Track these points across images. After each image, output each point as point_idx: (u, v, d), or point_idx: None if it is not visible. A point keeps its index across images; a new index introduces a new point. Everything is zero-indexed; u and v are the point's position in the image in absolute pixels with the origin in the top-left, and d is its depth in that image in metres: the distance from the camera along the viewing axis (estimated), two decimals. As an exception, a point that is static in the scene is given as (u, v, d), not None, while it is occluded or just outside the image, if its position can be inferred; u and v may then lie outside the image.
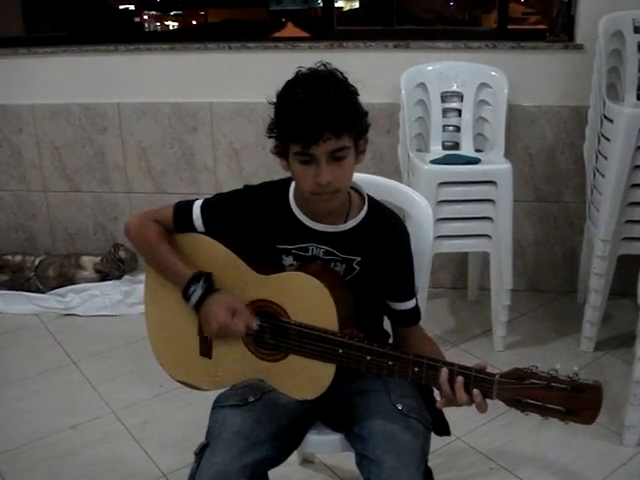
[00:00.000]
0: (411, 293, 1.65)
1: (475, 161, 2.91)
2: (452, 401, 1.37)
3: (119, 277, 3.67)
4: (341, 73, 1.46)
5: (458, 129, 3.14)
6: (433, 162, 2.89)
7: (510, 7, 3.52)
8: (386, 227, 1.60)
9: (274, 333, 1.53)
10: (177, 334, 1.67)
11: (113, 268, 3.66)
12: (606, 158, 2.72)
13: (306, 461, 2.31)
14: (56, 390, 2.78)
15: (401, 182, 2.05)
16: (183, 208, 1.63)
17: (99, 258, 3.67)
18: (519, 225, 3.31)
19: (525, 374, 1.30)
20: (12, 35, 3.94)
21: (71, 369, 2.94)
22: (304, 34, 4.08)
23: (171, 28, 5.89)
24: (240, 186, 1.66)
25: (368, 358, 1.43)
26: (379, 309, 1.67)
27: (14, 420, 2.58)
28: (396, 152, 3.22)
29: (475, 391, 1.34)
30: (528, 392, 1.29)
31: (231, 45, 3.46)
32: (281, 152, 1.49)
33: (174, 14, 5.99)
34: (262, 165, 3.47)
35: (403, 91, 3.04)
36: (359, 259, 1.56)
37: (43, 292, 3.58)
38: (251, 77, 3.41)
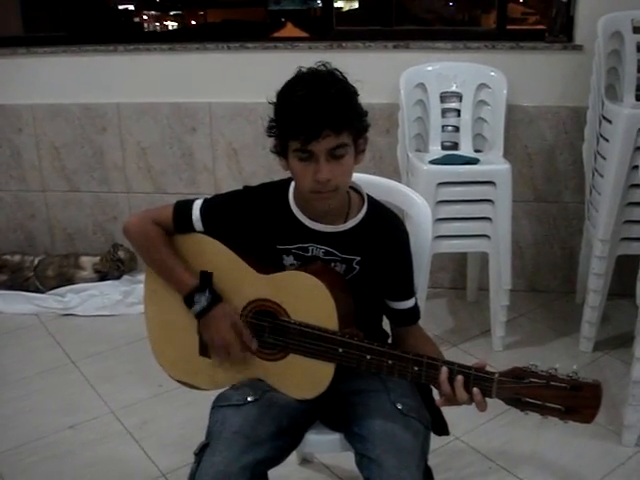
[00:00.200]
0: (410, 292, 1.65)
1: (474, 161, 2.91)
2: (452, 400, 1.38)
3: (118, 277, 3.67)
4: (341, 73, 1.47)
5: (457, 129, 3.14)
6: (432, 162, 2.89)
7: (509, 7, 3.52)
8: (385, 227, 1.60)
9: (274, 332, 1.53)
10: (176, 334, 1.67)
11: (112, 268, 3.66)
12: (605, 158, 2.73)
13: (305, 461, 2.31)
14: (55, 390, 2.77)
15: (400, 182, 2.05)
16: (182, 208, 1.63)
17: (98, 258, 3.67)
18: (518, 225, 3.31)
19: (524, 373, 1.30)
20: (11, 35, 3.94)
21: (70, 369, 2.93)
22: (303, 34, 4.09)
23: (170, 28, 5.89)
24: (239, 186, 1.67)
25: (368, 357, 1.43)
26: (378, 309, 1.67)
27: (13, 420, 2.58)
28: (395, 152, 3.22)
29: (475, 390, 1.34)
30: (527, 391, 1.30)
31: (230, 45, 3.46)
32: (281, 151, 1.50)
33: (173, 14, 6.00)
34: (261, 165, 3.47)
35: (402, 91, 3.04)
36: (359, 259, 1.56)
37: (42, 292, 3.58)
38: (250, 77, 3.41)
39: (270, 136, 1.51)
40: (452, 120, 3.15)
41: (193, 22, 6.00)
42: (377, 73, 3.20)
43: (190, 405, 2.51)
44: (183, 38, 3.75)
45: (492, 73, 3.09)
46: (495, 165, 2.87)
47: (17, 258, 3.68)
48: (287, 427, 1.55)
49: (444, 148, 3.13)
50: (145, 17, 5.80)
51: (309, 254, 1.57)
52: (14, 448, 2.41)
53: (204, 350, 1.64)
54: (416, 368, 1.40)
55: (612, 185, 2.67)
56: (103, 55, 3.57)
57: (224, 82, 3.51)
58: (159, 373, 1.72)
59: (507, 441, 2.39)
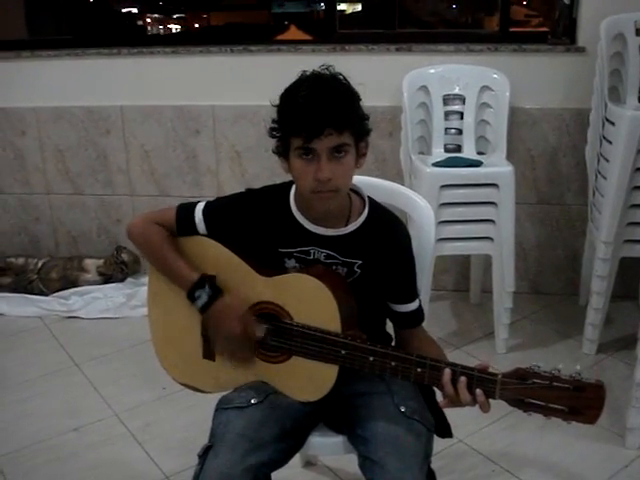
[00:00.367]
0: (413, 295, 1.65)
1: (477, 164, 2.91)
2: (455, 401, 1.38)
3: (122, 280, 3.68)
4: (344, 77, 1.48)
5: (460, 132, 3.15)
6: (435, 165, 2.89)
7: (512, 10, 3.53)
8: (387, 230, 1.60)
9: (277, 335, 1.53)
10: (180, 336, 1.68)
11: (116, 271, 3.66)
12: (608, 160, 2.73)
13: (309, 464, 2.31)
14: (59, 392, 2.78)
15: (403, 185, 2.05)
16: (185, 211, 1.64)
17: (102, 261, 3.68)
18: (521, 227, 3.31)
19: (527, 374, 1.30)
20: (15, 38, 3.95)
21: (73, 371, 2.94)
22: (306, 37, 4.10)
23: (174, 31, 5.91)
24: (243, 189, 1.67)
25: (371, 359, 1.43)
26: (381, 312, 1.67)
27: (16, 422, 2.59)
28: (398, 155, 3.22)
29: (478, 391, 1.34)
30: (531, 392, 1.30)
31: (233, 48, 3.47)
32: (282, 151, 1.50)
33: (177, 17, 6.01)
34: (265, 168, 3.48)
35: (405, 94, 3.04)
36: (360, 262, 1.56)
37: (46, 294, 3.59)
38: (253, 80, 3.42)
39: (272, 137, 1.52)
40: (455, 123, 3.16)
41: (196, 25, 6.02)
42: (380, 76, 3.21)
43: (193, 408, 2.52)
44: (186, 41, 3.76)
45: (495, 75, 3.09)
46: (498, 167, 2.87)
47: (21, 261, 3.69)
48: (290, 429, 1.55)
49: (447, 151, 3.13)
50: (148, 20, 5.81)
51: (310, 257, 1.57)
52: (17, 450, 2.42)
53: (208, 353, 1.64)
54: (419, 369, 1.40)
55: (615, 187, 2.67)
56: (107, 58, 3.58)
57: (227, 85, 3.52)
58: (163, 376, 1.72)
59: (510, 443, 2.38)
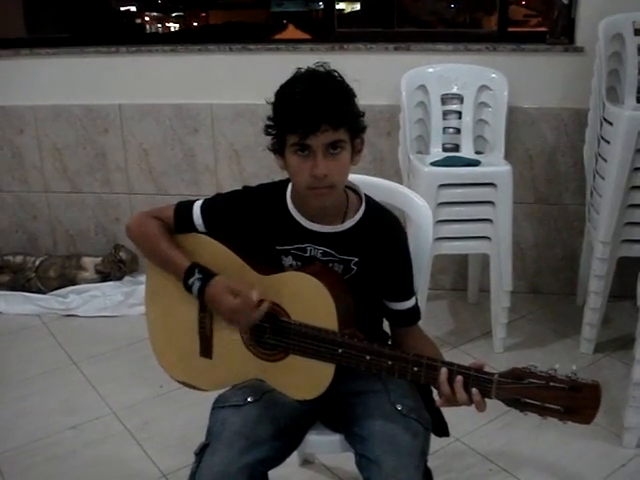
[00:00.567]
0: (409, 293, 1.65)
1: (475, 163, 2.91)
2: (451, 400, 1.38)
3: (120, 278, 3.68)
4: (339, 73, 1.48)
5: (458, 131, 3.15)
6: (433, 164, 2.89)
7: (511, 9, 3.53)
8: (383, 227, 1.60)
9: (274, 333, 1.53)
10: (177, 335, 1.68)
11: (114, 269, 3.66)
12: (606, 160, 2.73)
13: (306, 462, 2.32)
14: (57, 390, 2.78)
15: (401, 184, 2.05)
16: (183, 208, 1.64)
17: (100, 259, 3.68)
18: (519, 227, 3.32)
19: (524, 374, 1.31)
20: (14, 36, 3.95)
21: (71, 370, 2.94)
22: (305, 36, 4.09)
23: (172, 30, 5.90)
24: (240, 187, 1.67)
25: (368, 358, 1.43)
26: (378, 310, 1.67)
27: (15, 420, 2.59)
28: (396, 154, 3.23)
29: (474, 390, 1.35)
30: (527, 392, 1.30)
31: (232, 47, 3.47)
32: (278, 148, 1.51)
33: (175, 16, 6.00)
34: (263, 166, 3.48)
35: (403, 93, 3.04)
36: (357, 259, 1.56)
37: (44, 293, 3.59)
38: (252, 79, 3.42)
39: (268, 134, 1.52)
40: (453, 122, 3.16)
41: (195, 24, 6.01)
42: (378, 75, 3.21)
43: (191, 406, 2.52)
44: (185, 40, 3.76)
45: (493, 75, 3.09)
46: (496, 167, 2.87)
47: (19, 259, 3.69)
48: (287, 428, 1.55)
49: (445, 150, 3.13)
50: (147, 19, 5.81)
51: (307, 254, 1.57)
52: (15, 448, 2.42)
53: (205, 351, 1.64)
54: (416, 368, 1.40)
55: (613, 187, 2.67)
56: (105, 56, 3.58)
57: (226, 83, 3.52)
58: (160, 374, 1.72)
59: (507, 442, 2.39)
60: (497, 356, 2.91)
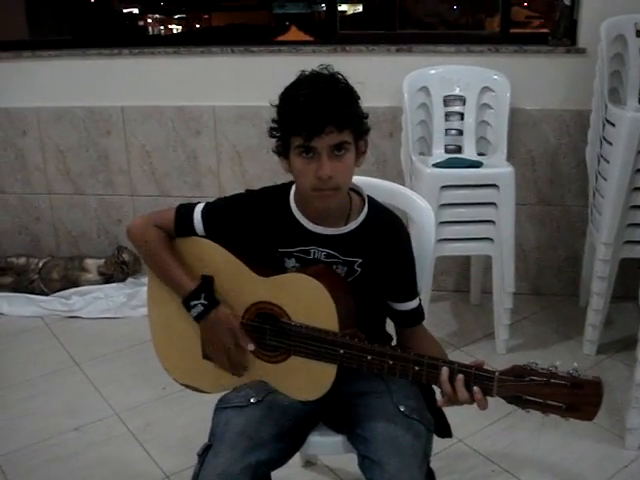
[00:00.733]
0: (413, 293, 1.65)
1: (477, 164, 2.91)
2: (453, 400, 1.38)
3: (123, 280, 3.69)
4: (342, 76, 1.48)
5: (461, 133, 3.15)
6: (435, 165, 2.89)
7: (513, 11, 3.53)
8: (386, 228, 1.60)
9: (275, 334, 1.53)
10: (180, 337, 1.68)
11: (117, 271, 3.67)
12: (608, 162, 2.73)
13: (309, 463, 2.31)
14: (59, 392, 2.78)
15: (404, 185, 2.05)
16: (184, 212, 1.64)
17: (103, 261, 3.68)
18: (521, 228, 3.32)
19: (525, 371, 1.31)
20: (16, 38, 3.96)
21: (74, 371, 2.94)
22: (307, 38, 4.11)
23: (175, 32, 5.91)
24: (243, 189, 1.68)
25: (369, 358, 1.44)
26: (381, 311, 1.67)
27: (17, 422, 2.59)
28: (399, 156, 3.23)
29: (475, 388, 1.35)
30: (528, 389, 1.30)
31: (235, 49, 3.47)
32: (282, 151, 1.51)
33: (178, 18, 6.02)
34: (265, 168, 3.48)
35: (406, 95, 3.05)
36: (360, 261, 1.57)
37: (47, 294, 3.59)
38: (254, 81, 3.42)
39: (272, 136, 1.52)
40: (455, 123, 3.16)
41: (197, 26, 6.02)
42: (380, 76, 3.21)
43: (194, 407, 2.52)
44: (188, 42, 3.77)
45: (495, 76, 3.09)
46: (498, 168, 2.87)
47: (22, 260, 3.69)
48: (290, 428, 1.55)
49: (447, 151, 3.13)
50: (150, 21, 5.82)
51: (311, 257, 1.57)
52: (18, 450, 2.42)
53: (207, 353, 1.64)
54: (417, 368, 1.40)
55: (615, 188, 2.67)
56: (108, 58, 3.59)
57: (228, 85, 3.52)
58: (163, 376, 1.73)
59: (510, 444, 2.38)
60: (499, 357, 2.91)
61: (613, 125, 2.70)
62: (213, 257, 1.59)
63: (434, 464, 1.58)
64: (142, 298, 3.36)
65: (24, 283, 3.63)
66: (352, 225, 1.57)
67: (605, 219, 2.73)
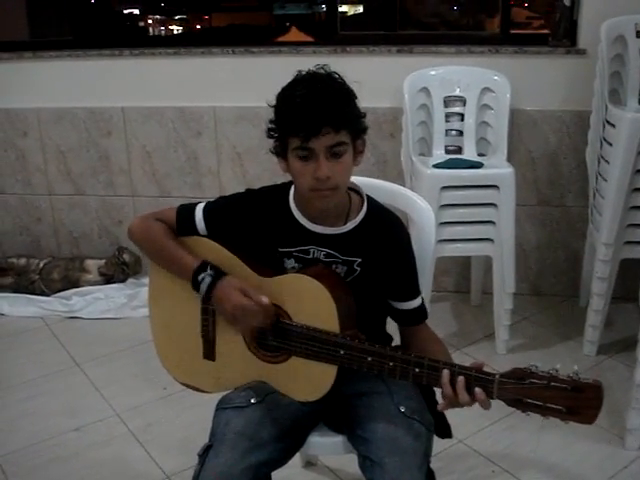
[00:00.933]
0: (415, 292, 1.65)
1: (478, 165, 2.92)
2: (454, 402, 1.38)
3: (123, 280, 3.69)
4: (339, 75, 1.48)
5: (461, 133, 3.15)
6: (436, 166, 2.90)
7: (513, 12, 3.53)
8: (385, 227, 1.60)
9: (276, 335, 1.53)
10: (181, 337, 1.68)
11: (117, 271, 3.67)
12: (608, 162, 2.73)
13: (309, 464, 2.32)
14: (60, 392, 2.79)
15: (404, 186, 2.05)
16: (186, 211, 1.64)
17: (103, 261, 3.69)
18: (522, 229, 3.32)
19: (525, 374, 1.31)
20: (17, 39, 3.96)
21: (75, 371, 2.95)
22: (308, 38, 4.10)
23: (175, 32, 5.90)
24: (243, 190, 1.68)
25: (369, 359, 1.44)
26: (381, 311, 1.68)
27: (18, 422, 2.59)
28: (399, 156, 3.23)
29: (477, 389, 1.34)
30: (528, 392, 1.30)
31: (235, 50, 3.48)
32: (280, 151, 1.51)
33: (178, 18, 6.01)
34: (266, 169, 3.48)
35: (406, 95, 3.05)
36: (360, 260, 1.57)
37: (47, 295, 3.60)
38: (255, 81, 3.42)
39: (270, 137, 1.52)
40: (456, 124, 3.16)
41: (198, 26, 6.02)
42: (381, 77, 3.21)
43: (194, 408, 2.52)
44: (188, 42, 3.76)
45: (496, 77, 3.09)
46: (499, 169, 2.87)
47: (23, 261, 3.69)
48: (290, 429, 1.56)
49: (448, 152, 3.13)
50: (150, 21, 5.81)
51: (310, 256, 1.57)
52: (19, 450, 2.42)
53: (208, 353, 1.65)
54: (417, 370, 1.40)
55: (615, 189, 2.67)
56: (108, 59, 3.59)
57: (229, 86, 3.52)
58: (164, 376, 1.73)
59: (510, 444, 2.39)
60: (500, 358, 2.91)
61: (613, 126, 2.70)
62: (214, 257, 1.59)
63: (434, 464, 1.58)
64: (143, 299, 3.37)
65: (25, 284, 3.63)
66: (351, 224, 1.57)
67: (605, 220, 2.73)
